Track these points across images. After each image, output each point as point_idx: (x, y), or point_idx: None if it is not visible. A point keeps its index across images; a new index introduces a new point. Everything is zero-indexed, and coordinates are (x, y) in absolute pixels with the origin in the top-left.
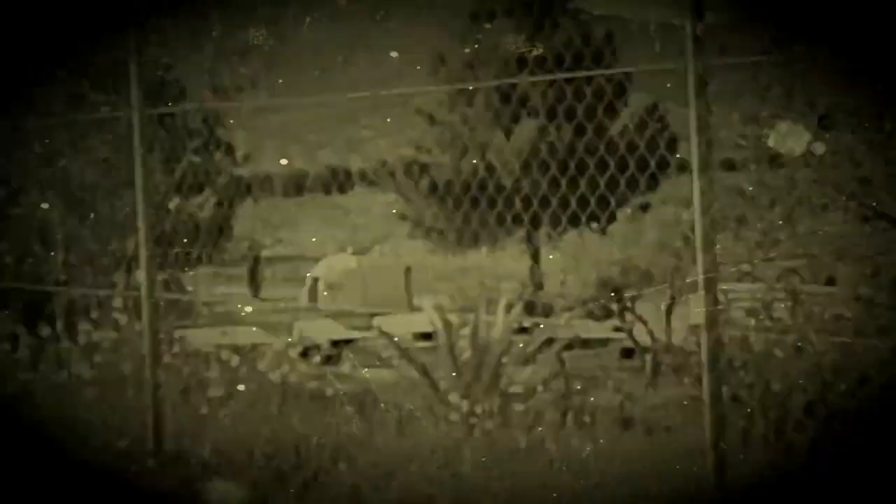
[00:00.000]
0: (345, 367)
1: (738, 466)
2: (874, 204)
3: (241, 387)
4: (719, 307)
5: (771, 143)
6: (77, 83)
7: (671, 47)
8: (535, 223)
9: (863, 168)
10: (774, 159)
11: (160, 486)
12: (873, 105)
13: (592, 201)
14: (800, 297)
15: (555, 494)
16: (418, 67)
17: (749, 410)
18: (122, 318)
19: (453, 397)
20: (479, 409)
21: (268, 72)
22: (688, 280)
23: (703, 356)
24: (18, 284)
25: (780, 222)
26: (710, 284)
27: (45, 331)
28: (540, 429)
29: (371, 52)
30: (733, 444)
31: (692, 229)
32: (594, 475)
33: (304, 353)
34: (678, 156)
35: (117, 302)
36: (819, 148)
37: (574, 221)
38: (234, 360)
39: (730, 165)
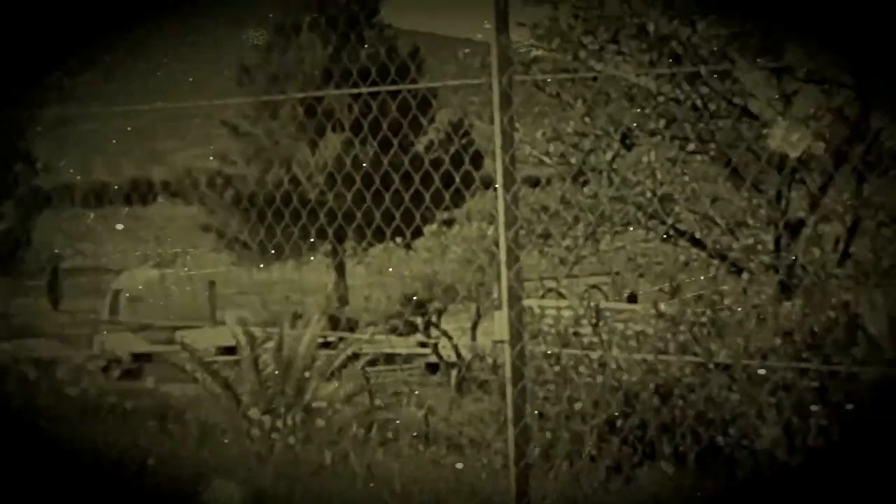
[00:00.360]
0: (147, 382)
1: (541, 481)
2: (675, 222)
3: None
4: (523, 323)
5: (574, 160)
6: None
7: (477, 64)
8: (341, 237)
9: (665, 186)
10: (578, 176)
11: None
12: (674, 123)
13: (397, 216)
14: (603, 313)
15: None
16: (223, 79)
17: (552, 426)
18: None
19: (254, 413)
20: (280, 424)
21: (71, 82)
22: (493, 296)
23: (507, 371)
24: None
25: (584, 239)
26: (514, 300)
27: None
28: (343, 444)
29: (177, 64)
30: (536, 459)
31: (497, 245)
32: (398, 491)
33: (106, 368)
34: (483, 172)
35: None
36: (621, 165)
37: (379, 236)
38: (32, 373)
39: (534, 182)
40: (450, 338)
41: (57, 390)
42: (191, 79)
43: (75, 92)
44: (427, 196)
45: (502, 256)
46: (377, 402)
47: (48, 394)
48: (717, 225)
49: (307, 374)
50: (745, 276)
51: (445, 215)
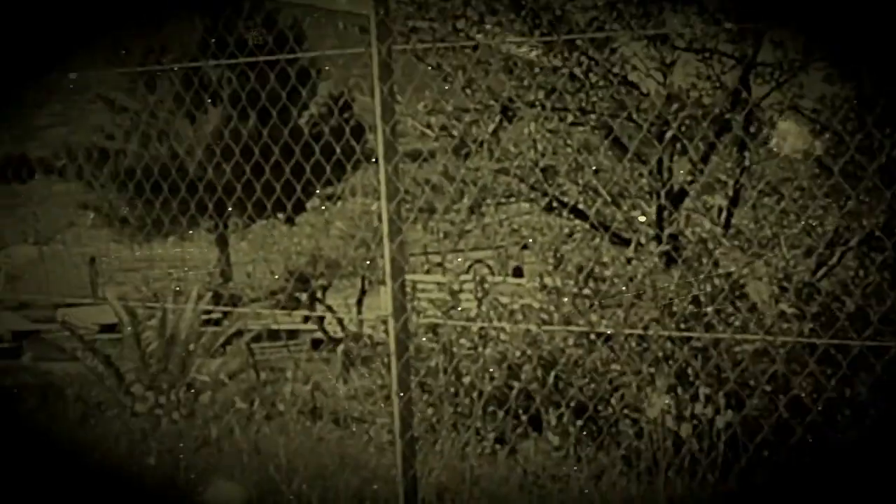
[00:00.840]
0: (26, 360)
1: (427, 454)
2: (558, 194)
3: None
4: (406, 296)
5: (455, 133)
6: None
7: (356, 35)
8: (222, 212)
9: (546, 157)
10: (460, 149)
11: None
12: (554, 95)
13: (278, 190)
14: (487, 287)
15: (243, 484)
16: (98, 53)
17: (437, 399)
18: None
19: (137, 389)
20: (164, 400)
21: None
22: (377, 271)
23: (392, 345)
24: None
25: (467, 213)
26: (397, 273)
27: None
28: (228, 419)
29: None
30: (422, 433)
31: (378, 220)
32: (284, 465)
33: None
34: (366, 146)
35: None
36: (503, 138)
37: (261, 211)
38: None
39: (417, 155)
40: (334, 313)
41: None
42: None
43: None
44: (308, 169)
45: (385, 229)
46: (262, 377)
47: None
48: (599, 196)
49: (191, 351)
50: (629, 247)
51: (329, 190)
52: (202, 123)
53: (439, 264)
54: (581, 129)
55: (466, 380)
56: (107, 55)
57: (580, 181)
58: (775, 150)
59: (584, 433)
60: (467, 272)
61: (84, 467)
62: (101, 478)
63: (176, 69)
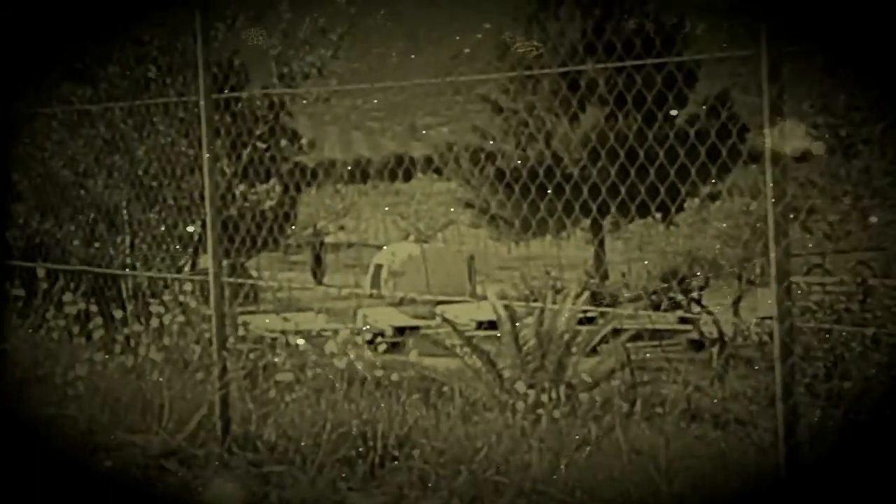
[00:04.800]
0: (409, 355)
1: (810, 460)
2: None
3: (310, 372)
4: (792, 299)
5: (843, 132)
6: (142, 67)
7: (742, 34)
8: (601, 212)
9: None
10: (848, 149)
11: (228, 469)
12: None
13: (662, 190)
14: (872, 289)
15: (624, 485)
16: (483, 54)
17: (823, 403)
18: (191, 302)
19: (519, 386)
20: (545, 398)
21: (333, 60)
22: (757, 271)
23: (776, 348)
24: (87, 268)
25: (847, 213)
26: (782, 276)
27: (116, 313)
28: (608, 418)
29: (435, 39)
30: (805, 437)
31: (759, 220)
32: (664, 467)
33: (371, 341)
34: (748, 145)
35: (186, 286)
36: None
37: (640, 211)
38: (302, 345)
39: (800, 155)
40: (711, 314)
41: (325, 362)
42: (450, 55)
43: (334, 70)
44: (692, 170)
45: (770, 231)
46: (639, 377)
47: (316, 366)
48: None
49: (568, 349)
50: None
51: (707, 189)
52: (584, 123)
53: (818, 266)
54: None
55: (849, 384)
56: (490, 58)
57: None
58: None
59: None
60: (851, 274)
61: (464, 463)
62: (483, 474)
63: (559, 72)
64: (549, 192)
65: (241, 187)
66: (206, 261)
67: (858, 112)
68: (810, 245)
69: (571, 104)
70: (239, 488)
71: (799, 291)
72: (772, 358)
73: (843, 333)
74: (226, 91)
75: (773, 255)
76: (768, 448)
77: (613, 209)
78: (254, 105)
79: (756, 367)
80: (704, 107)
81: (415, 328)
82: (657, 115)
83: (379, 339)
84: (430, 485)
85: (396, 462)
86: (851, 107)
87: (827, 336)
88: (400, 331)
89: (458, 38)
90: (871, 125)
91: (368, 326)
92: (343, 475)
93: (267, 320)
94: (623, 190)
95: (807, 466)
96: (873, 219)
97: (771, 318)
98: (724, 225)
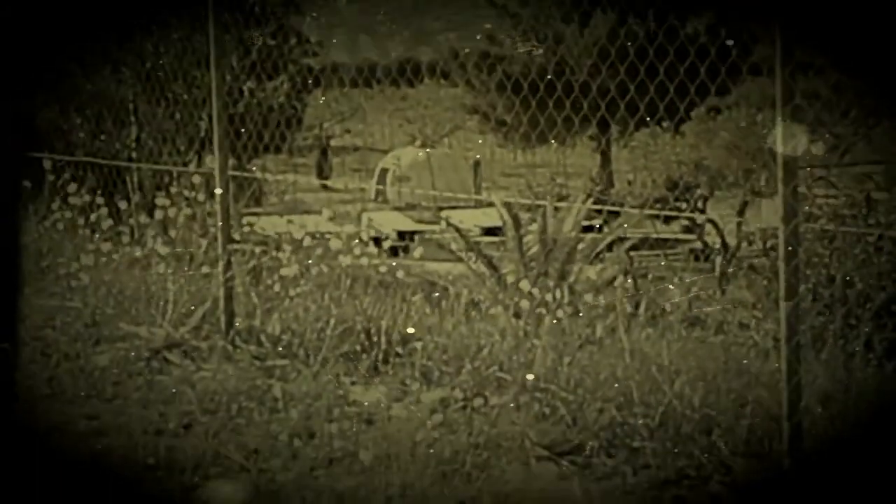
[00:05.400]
0: (412, 258)
1: (811, 362)
2: None
3: (314, 268)
4: (798, 202)
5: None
6: None
7: None
8: (606, 121)
9: None
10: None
11: (231, 361)
12: None
13: (668, 97)
14: (876, 201)
15: (626, 383)
16: None
17: (826, 306)
18: (196, 196)
19: (524, 284)
20: (550, 298)
21: None
22: (761, 182)
23: (781, 248)
24: (92, 159)
25: (854, 133)
26: (789, 178)
27: (121, 204)
28: (612, 320)
29: None
30: (806, 340)
31: (766, 131)
32: (665, 366)
33: (376, 241)
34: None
35: (193, 178)
36: None
37: (645, 120)
38: (307, 241)
39: (805, 68)
40: (715, 224)
41: (330, 260)
42: None
43: None
44: (698, 78)
45: (779, 132)
46: (641, 285)
47: (320, 262)
48: None
49: (571, 255)
50: None
51: (715, 101)
52: (592, 29)
53: (821, 178)
54: None
55: (858, 287)
56: None
57: None
58: None
59: None
60: (855, 187)
61: (466, 359)
62: (486, 370)
63: None
64: (551, 98)
65: (249, 84)
66: (211, 160)
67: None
68: (814, 158)
69: (579, 10)
70: (239, 489)
71: (804, 198)
72: (776, 264)
73: (847, 238)
74: None
75: (780, 158)
76: (770, 350)
77: (615, 116)
78: (264, 2)
79: (758, 275)
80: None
81: (419, 232)
82: (665, 22)
83: (386, 241)
84: (434, 380)
85: (400, 357)
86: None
87: (831, 241)
88: (404, 235)
89: None
90: None
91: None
92: (346, 370)
93: (270, 221)
94: (626, 97)
95: (808, 369)
96: (877, 132)
97: (776, 227)
98: (731, 135)
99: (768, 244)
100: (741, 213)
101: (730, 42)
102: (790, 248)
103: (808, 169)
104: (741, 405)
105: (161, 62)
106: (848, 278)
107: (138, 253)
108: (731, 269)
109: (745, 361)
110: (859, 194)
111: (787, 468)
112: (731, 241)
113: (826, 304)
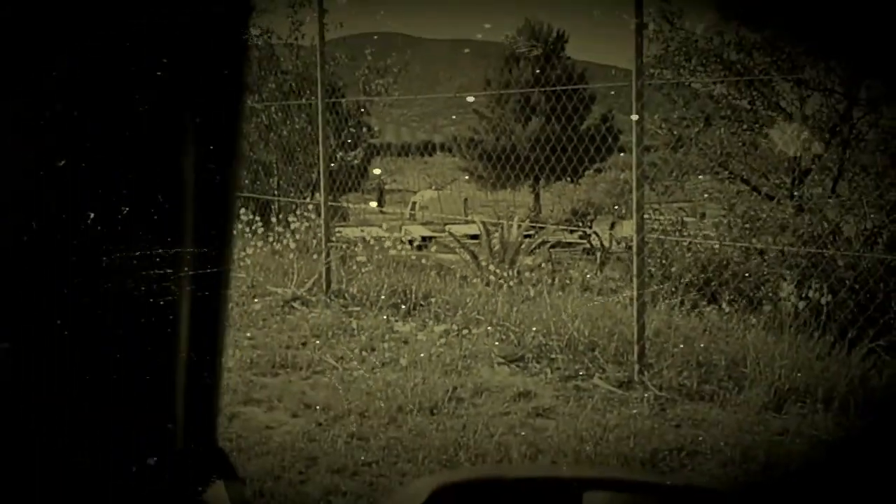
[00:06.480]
0: (430, 252)
1: (650, 312)
2: (732, 169)
3: (375, 257)
4: (644, 222)
5: (676, 132)
6: (285, 80)
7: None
8: (537, 177)
9: (727, 146)
10: (675, 143)
11: (328, 307)
12: (740, 111)
13: (572, 163)
14: (685, 223)
15: (548, 323)
16: (474, 84)
17: (659, 281)
18: (311, 216)
19: (491, 267)
20: (505, 274)
21: (395, 83)
22: (623, 210)
23: (634, 247)
24: (251, 194)
25: (675, 184)
26: (639, 208)
27: (271, 219)
28: (539, 286)
29: (447, 76)
30: (648, 298)
31: (627, 183)
32: (570, 314)
33: (410, 242)
34: (621, 136)
35: (308, 207)
36: (708, 136)
37: (560, 176)
38: (371, 241)
39: (654, 149)
40: (598, 234)
41: (384, 252)
42: (457, 83)
43: (394, 89)
44: (590, 153)
45: (634, 184)
46: (556, 267)
47: (379, 254)
48: (756, 170)
49: (517, 251)
50: (772, 201)
51: (597, 165)
52: (531, 126)
53: (657, 209)
54: (750, 133)
55: (673, 270)
56: (479, 86)
57: (746, 162)
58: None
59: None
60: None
61: (459, 308)
62: (471, 314)
63: (512, 93)
64: (507, 163)
65: (340, 153)
66: (320, 196)
67: (684, 121)
68: (652, 198)
69: (522, 116)
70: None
71: (647, 219)
72: (631, 257)
73: (671, 243)
74: (333, 98)
75: (634, 197)
76: (627, 305)
77: (544, 175)
78: (348, 107)
79: (622, 263)
80: (596, 119)
81: (432, 238)
82: (569, 123)
83: (415, 242)
84: (440, 317)
85: (422, 306)
86: (682, 117)
87: (662, 245)
88: (425, 239)
89: (458, 76)
90: (691, 128)
91: (403, 235)
92: (393, 313)
93: (351, 230)
94: (549, 165)
95: (648, 316)
96: (689, 185)
97: (632, 236)
98: (607, 185)
99: (626, 245)
100: (612, 228)
101: (610, 131)
102: (639, 248)
103: (648, 204)
104: (611, 335)
105: (291, 141)
106: (673, 266)
107: (278, 246)
108: (607, 260)
109: (614, 311)
110: (676, 218)
111: (637, 371)
112: (607, 244)
113: (659, 280)
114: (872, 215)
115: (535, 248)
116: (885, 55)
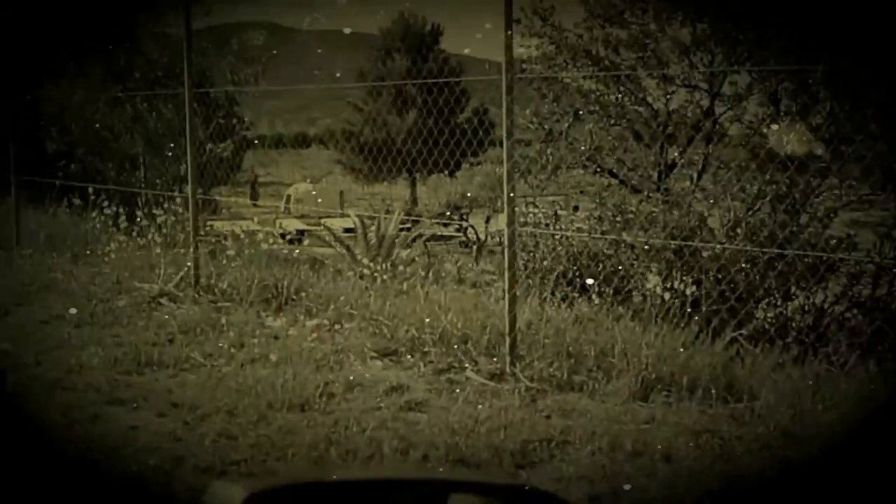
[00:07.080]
0: (304, 245)
1: (522, 304)
2: (601, 164)
3: (246, 251)
4: (515, 216)
5: (546, 126)
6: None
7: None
8: (410, 170)
9: (596, 141)
10: (547, 137)
11: (197, 304)
12: (603, 108)
13: (446, 157)
14: (559, 216)
15: (420, 315)
16: (350, 75)
17: (529, 274)
18: (178, 209)
19: (365, 261)
20: (379, 268)
21: (265, 72)
22: (499, 204)
23: (506, 241)
24: (116, 187)
25: (549, 177)
26: (511, 203)
27: (137, 214)
28: (413, 280)
29: (327, 65)
30: (521, 291)
31: (500, 178)
32: (444, 307)
33: (283, 236)
34: (494, 135)
35: (176, 201)
36: (576, 131)
37: (435, 169)
38: (242, 235)
39: (527, 143)
40: (473, 227)
41: (255, 246)
42: (337, 74)
43: (247, 78)
44: (463, 147)
45: (505, 179)
46: (432, 261)
47: (253, 246)
48: (625, 165)
49: (393, 244)
50: (642, 193)
51: (473, 159)
52: (406, 119)
53: (532, 202)
54: (618, 127)
55: (545, 263)
56: (354, 77)
57: (615, 156)
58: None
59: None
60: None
61: (332, 302)
62: (343, 308)
63: (391, 85)
64: (383, 156)
65: (209, 145)
66: (188, 189)
67: (554, 115)
68: (526, 191)
69: (398, 107)
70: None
71: (519, 213)
72: (504, 250)
73: (543, 237)
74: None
75: (506, 193)
76: (500, 297)
77: (420, 168)
78: (217, 98)
79: (495, 256)
80: (471, 112)
81: (308, 231)
82: (445, 115)
83: (288, 235)
84: (312, 311)
85: (294, 301)
86: (551, 112)
87: (534, 238)
88: (300, 232)
89: (338, 74)
90: (561, 123)
91: (276, 229)
92: (264, 308)
93: (222, 224)
94: (424, 156)
95: (519, 308)
96: (560, 178)
97: (504, 230)
98: (482, 178)
99: (500, 239)
100: (487, 221)
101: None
102: (510, 241)
103: (523, 198)
104: (484, 327)
105: (158, 133)
106: (543, 259)
107: (143, 241)
108: (481, 253)
109: (486, 304)
110: (550, 211)
111: (508, 363)
112: (482, 237)
113: (531, 273)
114: (735, 207)
115: (411, 242)
116: (749, 51)
